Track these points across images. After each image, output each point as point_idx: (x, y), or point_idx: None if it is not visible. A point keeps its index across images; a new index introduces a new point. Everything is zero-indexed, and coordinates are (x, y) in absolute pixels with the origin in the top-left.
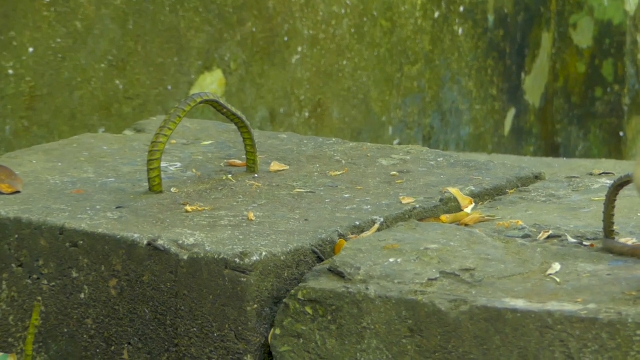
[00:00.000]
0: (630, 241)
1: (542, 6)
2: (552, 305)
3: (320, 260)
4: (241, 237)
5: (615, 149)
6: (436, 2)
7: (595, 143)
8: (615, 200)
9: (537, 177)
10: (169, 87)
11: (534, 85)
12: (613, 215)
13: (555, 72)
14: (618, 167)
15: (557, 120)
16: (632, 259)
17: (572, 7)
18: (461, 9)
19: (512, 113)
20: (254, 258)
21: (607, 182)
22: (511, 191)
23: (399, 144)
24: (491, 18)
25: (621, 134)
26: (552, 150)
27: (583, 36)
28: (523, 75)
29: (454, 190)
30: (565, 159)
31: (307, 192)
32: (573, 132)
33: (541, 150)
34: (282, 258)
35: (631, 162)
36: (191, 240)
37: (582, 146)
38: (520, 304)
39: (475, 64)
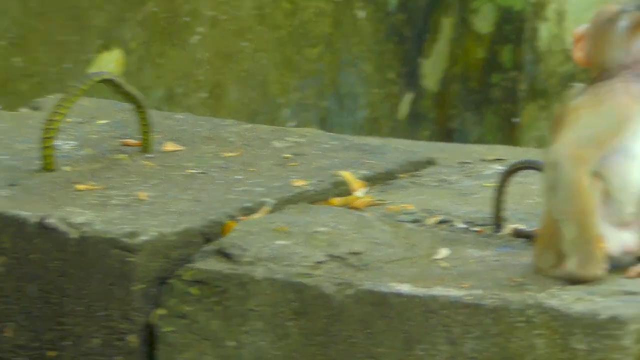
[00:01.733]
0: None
1: None
2: (437, 290)
3: (208, 241)
4: (131, 217)
5: (509, 135)
6: None
7: (489, 129)
8: (506, 187)
9: (430, 162)
10: (68, 65)
11: (432, 70)
12: (503, 201)
13: (454, 57)
14: (511, 154)
15: (453, 106)
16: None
17: None
18: None
19: (409, 97)
20: (143, 238)
21: (499, 168)
22: (403, 175)
23: (296, 126)
24: (393, 2)
25: (516, 120)
26: (447, 135)
27: (484, 22)
28: (421, 59)
29: (345, 174)
30: (459, 144)
31: (199, 172)
32: (468, 117)
33: (436, 135)
34: (171, 238)
35: (524, 148)
36: (81, 219)
37: (476, 132)
38: (405, 288)
39: (376, 47)
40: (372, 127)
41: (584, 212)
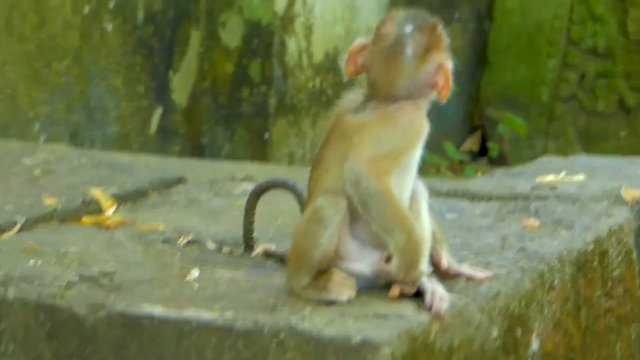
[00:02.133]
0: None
1: (192, 3)
2: (189, 313)
3: None
4: None
5: (260, 150)
6: None
7: (240, 144)
8: (254, 207)
9: (180, 180)
10: None
11: (181, 84)
12: (253, 221)
13: (203, 71)
14: (261, 171)
15: (204, 120)
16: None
17: (222, 6)
18: (111, 5)
19: (158, 112)
20: None
21: (249, 187)
22: (154, 194)
23: (46, 140)
24: (141, 15)
25: (266, 135)
26: (198, 150)
27: (232, 35)
28: (171, 73)
29: (96, 192)
30: (209, 161)
31: None
32: (219, 132)
33: (187, 151)
34: None
35: (274, 166)
36: None
37: (227, 147)
38: (158, 310)
39: (124, 60)
40: (123, 142)
41: (406, 220)
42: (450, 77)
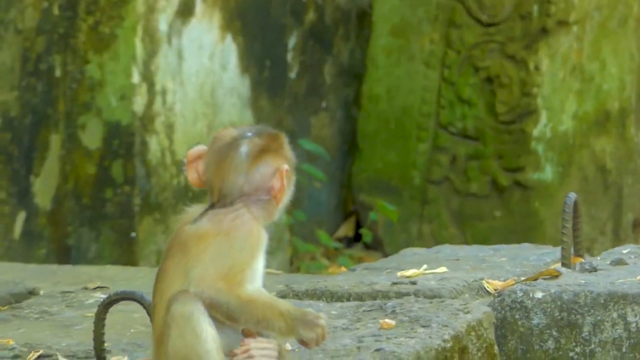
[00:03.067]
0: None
1: (50, 108)
2: None
3: None
4: None
5: (128, 250)
6: None
7: (107, 244)
8: (104, 318)
9: (32, 292)
10: None
11: (43, 188)
12: (103, 333)
13: (65, 174)
14: (121, 275)
15: (69, 222)
16: None
17: (80, 109)
18: None
19: (22, 216)
20: None
21: (102, 296)
22: (4, 308)
23: None
24: None
25: (133, 234)
26: (65, 252)
27: (92, 137)
28: (32, 177)
29: None
30: (71, 265)
31: None
32: (85, 234)
33: (53, 254)
34: None
35: (137, 268)
36: None
37: (94, 248)
38: None
39: None
40: None
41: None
42: (287, 183)
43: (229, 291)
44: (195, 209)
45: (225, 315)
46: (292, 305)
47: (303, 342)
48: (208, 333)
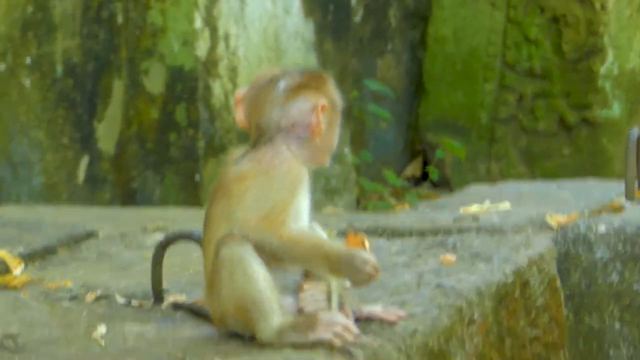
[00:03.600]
0: (180, 299)
1: (112, 54)
2: None
3: None
4: None
5: (192, 193)
6: (1, 55)
7: (171, 188)
8: (162, 258)
9: (90, 234)
10: None
11: (107, 133)
12: (161, 273)
13: (129, 119)
14: (184, 216)
15: (132, 167)
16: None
17: (143, 54)
18: (28, 60)
19: (85, 161)
20: None
21: (161, 237)
22: (63, 250)
23: None
24: (60, 69)
25: (197, 177)
26: (129, 196)
27: (155, 82)
28: (95, 123)
29: (1, 252)
30: (134, 208)
31: None
32: (149, 177)
33: (117, 198)
34: None
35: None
36: None
37: (158, 191)
38: None
39: (45, 114)
40: (50, 194)
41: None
42: (326, 121)
43: (271, 232)
44: (240, 151)
45: (270, 256)
46: (340, 246)
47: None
48: (259, 274)
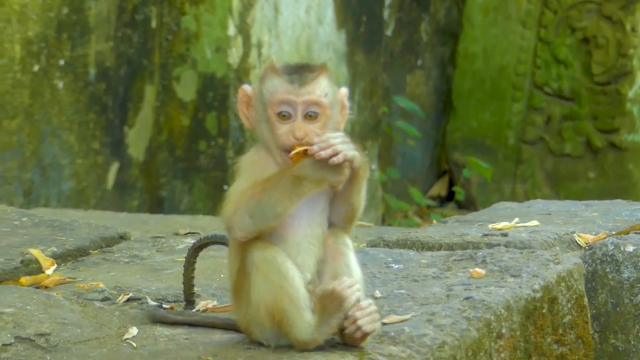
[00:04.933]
0: (210, 304)
1: (145, 59)
2: None
3: None
4: None
5: (221, 203)
6: (35, 56)
7: (199, 196)
8: (194, 262)
9: (122, 237)
10: None
11: (137, 139)
12: (193, 277)
13: (159, 125)
14: (213, 224)
15: (162, 174)
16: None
17: (176, 60)
18: (61, 62)
19: (115, 167)
20: None
21: (192, 241)
22: (95, 251)
23: None
24: (92, 72)
25: (225, 187)
26: (157, 203)
27: (186, 89)
28: (126, 128)
29: (35, 252)
30: (162, 215)
31: None
32: (177, 185)
33: (146, 204)
34: None
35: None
36: None
37: (186, 200)
38: None
39: (77, 117)
40: (79, 198)
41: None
42: (249, 109)
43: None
44: None
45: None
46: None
47: None
48: (294, 271)
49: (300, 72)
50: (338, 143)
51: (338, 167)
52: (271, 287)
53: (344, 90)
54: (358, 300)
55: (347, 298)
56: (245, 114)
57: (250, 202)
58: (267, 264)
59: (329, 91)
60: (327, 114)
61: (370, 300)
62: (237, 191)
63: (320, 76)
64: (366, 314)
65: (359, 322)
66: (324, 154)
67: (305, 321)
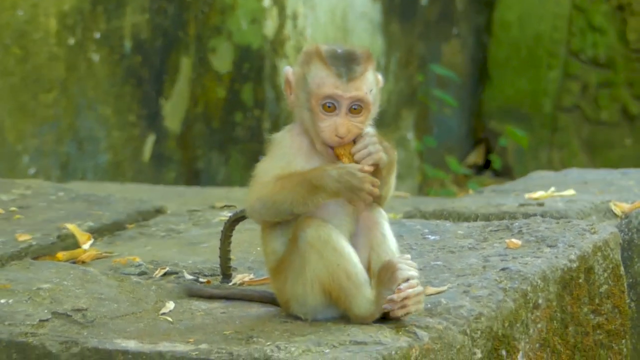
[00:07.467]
0: (247, 277)
1: (180, 31)
2: (164, 346)
3: None
4: None
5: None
6: (71, 29)
7: (236, 168)
8: (230, 236)
9: (159, 211)
10: None
11: (173, 111)
12: (229, 250)
13: (195, 97)
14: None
15: (198, 146)
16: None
17: (211, 32)
18: (97, 35)
19: (151, 139)
20: None
21: (229, 215)
22: (131, 225)
23: (35, 172)
24: (128, 44)
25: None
26: (194, 176)
27: (222, 60)
28: (162, 100)
29: (71, 226)
30: (199, 187)
31: None
32: (214, 157)
33: (182, 177)
34: None
35: None
36: None
37: (223, 172)
38: (131, 345)
39: (113, 90)
40: (115, 171)
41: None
42: (293, 89)
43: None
44: None
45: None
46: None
47: None
48: (349, 249)
49: (348, 64)
50: (373, 152)
51: (355, 187)
52: (327, 265)
53: (381, 78)
54: (411, 278)
55: (401, 270)
56: (287, 95)
57: (270, 197)
58: (321, 243)
59: (374, 86)
60: (370, 109)
61: (419, 283)
62: (262, 177)
63: (366, 71)
64: (414, 294)
65: (405, 301)
66: (366, 167)
67: (364, 297)
